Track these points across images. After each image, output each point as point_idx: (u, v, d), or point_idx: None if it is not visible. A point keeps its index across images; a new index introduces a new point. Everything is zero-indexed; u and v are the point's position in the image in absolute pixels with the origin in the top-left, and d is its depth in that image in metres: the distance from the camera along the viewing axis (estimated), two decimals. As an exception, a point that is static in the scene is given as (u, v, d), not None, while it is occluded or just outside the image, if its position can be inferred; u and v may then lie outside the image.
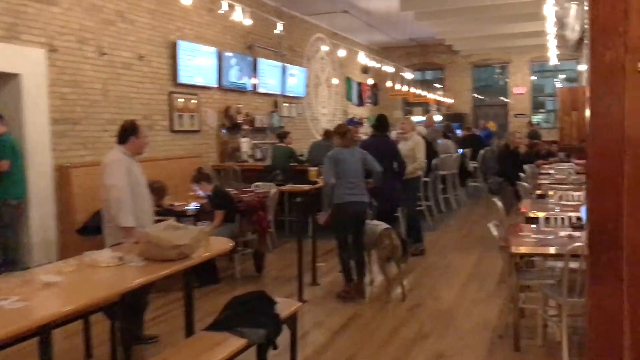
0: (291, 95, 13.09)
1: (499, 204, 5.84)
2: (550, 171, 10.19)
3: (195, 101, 9.65)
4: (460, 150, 11.97)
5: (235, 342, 3.30)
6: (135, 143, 4.60)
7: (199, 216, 6.37)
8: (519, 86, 19.21)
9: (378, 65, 15.24)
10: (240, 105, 10.94)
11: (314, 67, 14.77)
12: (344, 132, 5.95)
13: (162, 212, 5.98)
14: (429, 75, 21.04)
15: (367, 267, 6.03)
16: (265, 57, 11.95)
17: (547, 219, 5.34)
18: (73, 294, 2.97)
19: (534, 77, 19.55)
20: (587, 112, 2.18)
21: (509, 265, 4.30)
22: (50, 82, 6.87)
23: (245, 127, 10.90)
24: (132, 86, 8.21)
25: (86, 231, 6.49)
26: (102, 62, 7.65)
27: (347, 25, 14.72)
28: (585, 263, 3.86)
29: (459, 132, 15.04)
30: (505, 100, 19.67)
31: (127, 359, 3.82)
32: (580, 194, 6.68)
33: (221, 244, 4.10)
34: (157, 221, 4.41)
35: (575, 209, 5.53)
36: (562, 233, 4.64)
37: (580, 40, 16.58)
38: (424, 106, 19.67)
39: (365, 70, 16.98)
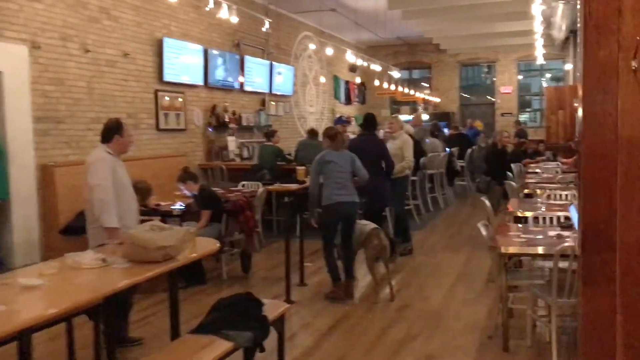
0: (278, 93, 13.02)
1: (487, 203, 5.83)
2: (537, 170, 10.22)
3: (182, 99, 9.56)
4: (447, 149, 11.97)
5: (221, 346, 3.24)
6: (120, 142, 4.51)
7: (185, 216, 6.30)
8: (506, 85, 19.28)
9: (366, 64, 15.22)
10: (227, 104, 10.86)
11: (301, 66, 14.71)
12: (333, 134, 5.86)
13: (148, 212, 5.91)
14: (416, 74, 21.05)
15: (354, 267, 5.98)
16: (252, 55, 11.87)
17: (535, 218, 5.33)
18: (54, 298, 2.89)
19: (520, 77, 19.63)
20: (580, 112, 2.14)
21: (498, 265, 4.27)
22: (33, 79, 6.75)
23: (232, 125, 10.82)
24: (117, 84, 8.10)
25: (70, 231, 6.39)
26: (86, 60, 7.54)
27: (335, 24, 14.68)
28: (575, 263, 3.86)
29: (446, 131, 15.05)
30: (492, 99, 19.73)
31: (111, 362, 3.74)
32: (568, 193, 6.68)
33: (208, 244, 4.03)
34: (143, 221, 4.33)
35: (564, 208, 5.52)
36: (551, 233, 4.62)
37: (566, 40, 16.68)
38: (412, 105, 19.69)
39: (353, 68, 16.95)
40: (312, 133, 9.96)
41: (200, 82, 10.05)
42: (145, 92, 8.71)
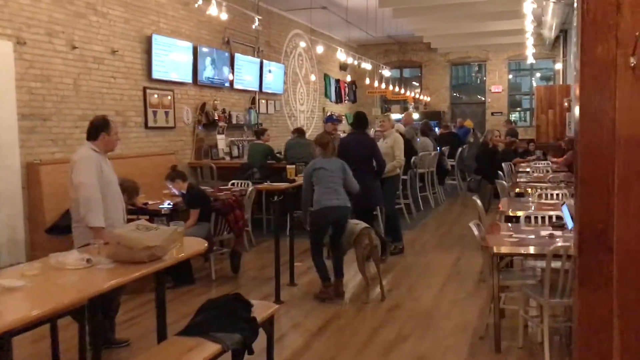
0: (269, 91, 12.94)
1: (479, 202, 5.79)
2: (528, 169, 10.23)
3: (171, 97, 9.45)
4: (438, 149, 11.94)
5: (208, 348, 3.17)
6: (106, 140, 4.42)
7: (173, 215, 6.21)
8: (496, 84, 19.31)
9: (356, 62, 15.17)
10: (217, 102, 10.76)
11: (291, 64, 14.63)
12: (325, 142, 5.82)
13: (136, 211, 5.82)
14: (407, 73, 21.04)
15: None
16: (242, 53, 11.78)
17: (527, 217, 5.30)
18: (36, 299, 2.80)
19: (510, 76, 19.68)
20: (577, 110, 2.09)
21: (490, 265, 4.23)
22: (18, 76, 6.64)
23: (222, 124, 10.73)
24: (104, 81, 7.99)
25: (57, 230, 6.29)
26: (73, 56, 7.42)
27: (326, 22, 14.61)
28: (568, 263, 3.82)
29: (436, 130, 15.04)
30: (483, 98, 19.76)
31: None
32: (559, 193, 6.66)
33: (195, 244, 3.95)
34: (130, 220, 4.25)
35: (555, 207, 5.49)
36: (543, 232, 4.59)
37: (557, 39, 16.74)
38: (402, 104, 19.68)
39: (344, 67, 16.90)
40: (300, 131, 9.91)
41: (190, 79, 9.95)
42: (133, 90, 8.61)
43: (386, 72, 17.65)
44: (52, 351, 4.04)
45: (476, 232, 4.55)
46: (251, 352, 3.50)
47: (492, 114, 19.26)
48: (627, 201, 1.99)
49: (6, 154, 6.44)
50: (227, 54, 11.14)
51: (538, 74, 20.04)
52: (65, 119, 7.29)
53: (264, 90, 12.64)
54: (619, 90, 1.97)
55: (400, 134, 8.45)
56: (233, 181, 8.38)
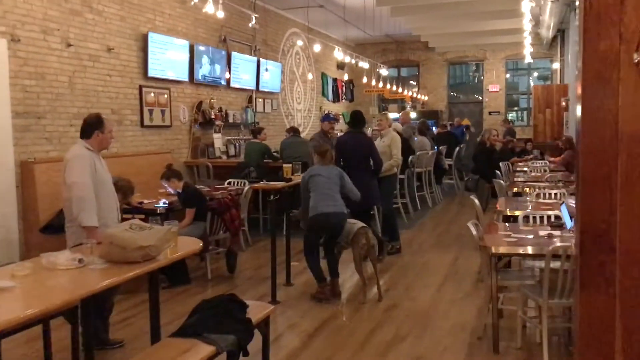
0: (266, 90, 12.88)
1: (476, 201, 5.75)
2: (525, 169, 10.20)
3: (167, 96, 9.39)
4: (435, 148, 11.90)
5: (203, 350, 3.11)
6: (100, 138, 4.36)
7: (168, 214, 6.16)
8: (494, 84, 19.28)
9: (354, 61, 15.12)
10: (214, 100, 10.70)
11: (288, 62, 14.57)
12: (324, 151, 5.83)
13: (131, 210, 5.76)
14: (404, 72, 20.99)
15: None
16: (239, 51, 11.72)
17: (525, 217, 5.26)
18: (26, 300, 2.75)
19: (508, 75, 19.64)
20: (579, 107, 2.04)
21: (489, 265, 4.18)
22: (13, 73, 6.56)
23: (218, 122, 10.67)
24: (100, 79, 7.92)
25: (51, 230, 6.20)
26: (68, 54, 7.36)
27: (323, 21, 14.55)
28: (567, 263, 3.77)
29: (434, 129, 15.00)
30: (480, 97, 19.73)
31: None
32: (557, 192, 6.62)
33: (190, 244, 3.90)
34: (124, 219, 4.19)
35: (553, 207, 5.46)
36: (542, 232, 4.54)
37: (554, 39, 16.71)
38: (400, 103, 19.64)
39: (341, 66, 16.83)
40: (294, 130, 9.86)
41: (186, 78, 9.88)
42: (129, 88, 8.54)
43: (384, 71, 17.60)
44: (44, 352, 3.98)
45: (474, 232, 4.51)
46: (246, 354, 3.45)
47: (490, 113, 19.22)
48: (630, 200, 1.95)
49: (0, 153, 6.37)
50: (223, 53, 11.07)
51: (535, 74, 20.00)
52: (60, 117, 7.22)
53: (260, 89, 12.58)
54: (622, 87, 1.93)
55: (398, 133, 8.41)
56: (229, 180, 8.32)
